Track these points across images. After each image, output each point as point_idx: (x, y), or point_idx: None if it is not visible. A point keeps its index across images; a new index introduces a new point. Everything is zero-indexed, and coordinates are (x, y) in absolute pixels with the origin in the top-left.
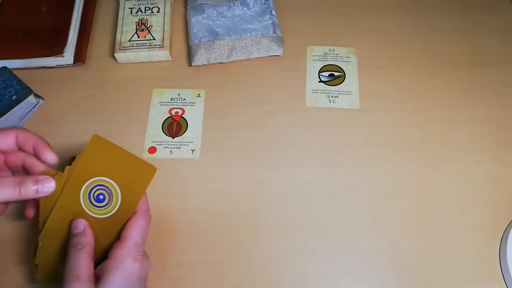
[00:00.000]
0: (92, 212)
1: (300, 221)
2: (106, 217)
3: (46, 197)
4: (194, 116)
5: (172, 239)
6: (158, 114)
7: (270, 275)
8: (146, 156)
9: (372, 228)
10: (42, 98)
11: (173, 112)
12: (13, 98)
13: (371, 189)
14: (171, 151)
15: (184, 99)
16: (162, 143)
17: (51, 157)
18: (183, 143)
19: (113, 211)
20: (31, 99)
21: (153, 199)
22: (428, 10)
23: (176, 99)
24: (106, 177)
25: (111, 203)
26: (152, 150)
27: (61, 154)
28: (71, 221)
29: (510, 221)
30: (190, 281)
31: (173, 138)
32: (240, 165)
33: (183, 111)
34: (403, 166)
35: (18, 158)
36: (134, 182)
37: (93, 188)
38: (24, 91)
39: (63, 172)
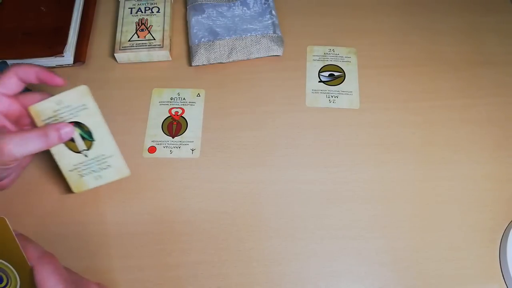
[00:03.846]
0: None
1: (300, 221)
2: None
3: None
4: (194, 115)
5: (172, 239)
6: (158, 114)
7: (270, 275)
8: (146, 155)
9: (372, 228)
10: None
11: (173, 111)
12: None
13: (371, 189)
14: (171, 150)
15: (184, 98)
16: (162, 143)
17: (60, 81)
18: (183, 143)
19: (18, 284)
20: None
21: (153, 199)
22: (428, 10)
23: (176, 98)
24: None
25: (11, 280)
26: (152, 149)
27: None
28: None
29: (510, 221)
30: (190, 281)
31: (173, 137)
32: (240, 165)
33: (183, 110)
34: (403, 166)
35: (34, 99)
36: (3, 244)
37: None
38: None
39: None
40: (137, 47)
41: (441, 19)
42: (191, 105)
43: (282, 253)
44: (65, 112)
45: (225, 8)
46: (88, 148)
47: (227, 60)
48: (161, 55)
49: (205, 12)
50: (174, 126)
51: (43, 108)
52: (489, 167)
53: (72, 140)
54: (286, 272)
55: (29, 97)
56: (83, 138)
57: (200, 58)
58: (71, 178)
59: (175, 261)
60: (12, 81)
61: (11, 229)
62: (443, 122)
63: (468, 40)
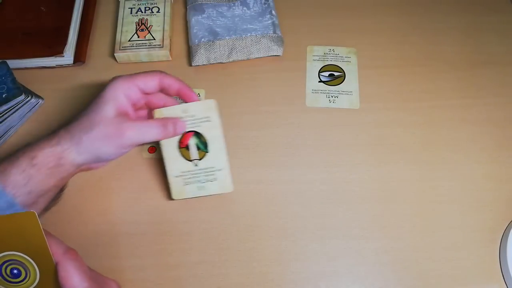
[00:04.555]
0: None
1: (300, 221)
2: (35, 287)
3: None
4: None
5: (172, 239)
6: None
7: (270, 275)
8: (146, 155)
9: (372, 228)
10: (42, 98)
11: None
12: (3, 96)
13: (371, 189)
14: None
15: None
16: None
17: (196, 99)
18: None
19: (37, 279)
20: (19, 99)
21: (153, 199)
22: (428, 10)
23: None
24: (6, 251)
25: (29, 274)
26: (151, 149)
27: None
28: None
29: (510, 221)
30: (190, 281)
31: None
32: (240, 165)
33: None
34: (403, 166)
35: (159, 101)
36: (29, 239)
37: (1, 266)
38: (15, 91)
39: None
40: (137, 47)
41: (441, 19)
42: None
43: (282, 253)
44: (188, 121)
45: (225, 8)
46: (200, 158)
47: (227, 60)
48: (161, 55)
49: (205, 12)
50: None
51: (169, 114)
52: (489, 167)
53: (186, 147)
54: (286, 272)
55: (155, 95)
56: (198, 148)
57: (200, 58)
58: (175, 184)
59: (175, 261)
60: (152, 83)
61: (40, 225)
62: (443, 122)
63: (468, 40)
